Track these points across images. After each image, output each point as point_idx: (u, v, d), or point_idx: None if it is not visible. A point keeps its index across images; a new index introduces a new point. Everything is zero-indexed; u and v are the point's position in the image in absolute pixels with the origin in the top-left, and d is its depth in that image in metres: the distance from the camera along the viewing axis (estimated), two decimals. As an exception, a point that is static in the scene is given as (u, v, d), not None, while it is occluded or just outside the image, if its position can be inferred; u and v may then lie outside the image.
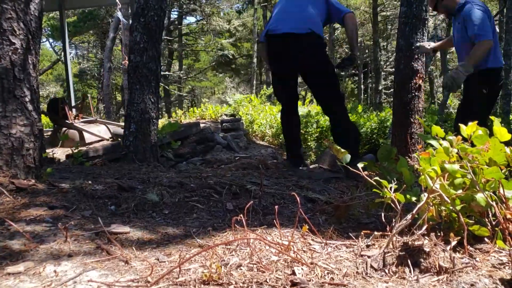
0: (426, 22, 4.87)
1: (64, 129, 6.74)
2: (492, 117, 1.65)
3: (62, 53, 12.56)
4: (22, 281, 1.18)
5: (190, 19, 34.72)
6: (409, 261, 1.26)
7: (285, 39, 3.57)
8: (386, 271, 1.26)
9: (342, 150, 1.84)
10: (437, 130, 1.70)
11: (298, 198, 1.52)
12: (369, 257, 1.34)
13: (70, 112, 6.99)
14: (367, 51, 29.06)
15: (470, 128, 1.59)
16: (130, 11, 11.78)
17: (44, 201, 2.02)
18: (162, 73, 15.55)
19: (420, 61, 4.79)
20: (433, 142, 1.66)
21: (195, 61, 28.90)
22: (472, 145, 1.58)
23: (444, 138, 1.64)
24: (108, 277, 1.22)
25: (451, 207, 1.47)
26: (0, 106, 2.14)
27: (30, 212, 1.85)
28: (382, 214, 1.63)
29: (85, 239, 1.57)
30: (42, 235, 1.58)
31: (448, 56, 20.72)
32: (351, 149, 3.01)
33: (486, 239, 1.45)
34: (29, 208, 1.90)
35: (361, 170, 1.67)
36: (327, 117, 8.82)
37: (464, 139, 1.60)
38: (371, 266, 1.28)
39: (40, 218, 1.78)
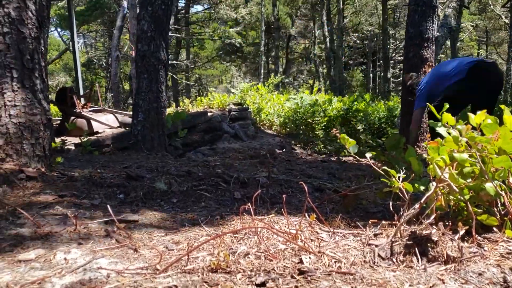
0: (436, 9, 4.81)
1: (72, 118, 6.77)
2: (502, 106, 1.63)
3: (70, 42, 12.58)
4: (33, 268, 1.20)
5: (198, 8, 34.58)
6: (416, 250, 1.26)
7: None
8: (394, 260, 1.26)
9: (350, 140, 1.83)
10: (447, 118, 1.68)
11: (305, 187, 1.52)
12: (376, 246, 1.34)
13: (78, 101, 7.02)
14: (376, 39, 28.79)
15: (479, 117, 1.57)
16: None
17: (54, 189, 2.04)
18: (169, 62, 15.47)
19: (429, 49, 4.74)
20: (442, 130, 1.64)
21: (202, 50, 28.81)
22: (482, 134, 1.56)
23: (454, 127, 1.62)
24: (117, 265, 1.23)
25: (459, 197, 1.46)
26: (10, 95, 2.16)
27: (40, 200, 1.87)
28: (390, 203, 1.63)
29: (95, 227, 1.59)
30: (52, 223, 1.59)
31: (458, 44, 20.47)
32: None
33: (494, 229, 1.45)
34: (39, 197, 1.92)
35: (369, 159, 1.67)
36: (334, 106, 8.79)
37: (474, 128, 1.59)
38: (379, 255, 1.28)
39: (50, 206, 1.80)
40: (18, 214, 1.63)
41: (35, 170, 2.21)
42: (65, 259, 1.26)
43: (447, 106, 1.67)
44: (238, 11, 23.06)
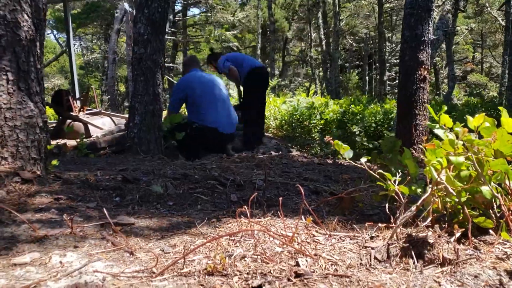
0: (432, 12, 4.83)
1: (69, 121, 6.74)
2: (500, 108, 1.63)
3: (66, 45, 12.55)
4: (28, 271, 1.19)
5: (195, 11, 34.60)
6: (413, 253, 1.26)
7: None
8: (390, 262, 1.26)
9: (344, 145, 1.83)
10: (445, 119, 1.68)
11: (302, 190, 1.52)
12: (373, 248, 1.34)
13: (74, 104, 7.00)
14: (371, 42, 28.90)
15: (477, 120, 1.57)
16: (134, 2, 11.73)
17: (49, 192, 2.04)
18: (166, 64, 15.47)
19: (425, 52, 4.76)
20: (439, 132, 1.64)
21: (198, 53, 28.82)
22: (479, 136, 1.56)
23: (451, 129, 1.62)
24: (113, 268, 1.22)
25: (456, 199, 1.46)
26: (5, 98, 2.15)
27: (35, 203, 1.86)
28: (387, 206, 1.63)
29: (90, 230, 1.58)
30: (48, 226, 1.59)
31: (454, 47, 20.54)
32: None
33: (490, 231, 1.45)
34: (34, 200, 1.91)
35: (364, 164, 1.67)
36: (330, 109, 8.80)
37: (471, 131, 1.59)
38: (375, 258, 1.28)
39: (45, 209, 1.80)
40: (13, 217, 1.62)
41: (30, 173, 2.20)
42: (60, 262, 1.25)
43: (445, 108, 1.67)
44: (235, 15, 23.11)
